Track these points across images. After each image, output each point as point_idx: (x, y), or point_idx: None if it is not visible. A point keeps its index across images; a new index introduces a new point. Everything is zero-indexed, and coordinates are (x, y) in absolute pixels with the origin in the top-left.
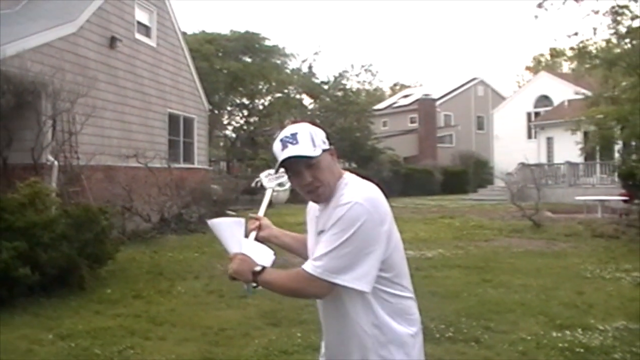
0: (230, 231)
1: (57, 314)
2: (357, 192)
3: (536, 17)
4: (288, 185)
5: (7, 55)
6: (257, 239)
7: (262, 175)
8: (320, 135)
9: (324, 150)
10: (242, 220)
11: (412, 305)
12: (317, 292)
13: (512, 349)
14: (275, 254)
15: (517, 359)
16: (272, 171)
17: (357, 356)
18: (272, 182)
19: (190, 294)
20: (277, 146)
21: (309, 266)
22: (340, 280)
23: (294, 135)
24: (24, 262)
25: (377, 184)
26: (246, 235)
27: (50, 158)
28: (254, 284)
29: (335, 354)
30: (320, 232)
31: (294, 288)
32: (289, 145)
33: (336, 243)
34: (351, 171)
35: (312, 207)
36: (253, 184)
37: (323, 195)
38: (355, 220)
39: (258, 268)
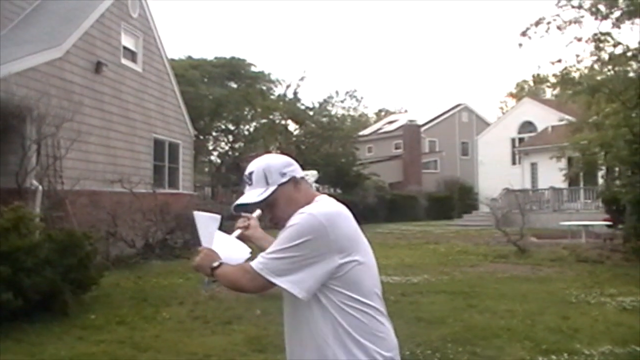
0: (205, 225)
1: (40, 339)
2: (315, 207)
3: (520, 45)
4: None
5: None
6: (239, 236)
7: None
8: (276, 169)
9: (281, 184)
10: (218, 217)
11: (385, 328)
12: (255, 286)
13: None
14: (251, 253)
15: None
16: None
17: None
18: None
19: (175, 320)
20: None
21: (254, 261)
22: (278, 280)
23: (250, 175)
24: (7, 287)
25: (356, 208)
26: (232, 231)
27: (35, 183)
28: (213, 279)
29: None
30: None
31: (235, 280)
32: (246, 185)
33: (282, 246)
34: (334, 197)
35: None
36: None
37: (286, 222)
38: (305, 229)
39: (216, 264)
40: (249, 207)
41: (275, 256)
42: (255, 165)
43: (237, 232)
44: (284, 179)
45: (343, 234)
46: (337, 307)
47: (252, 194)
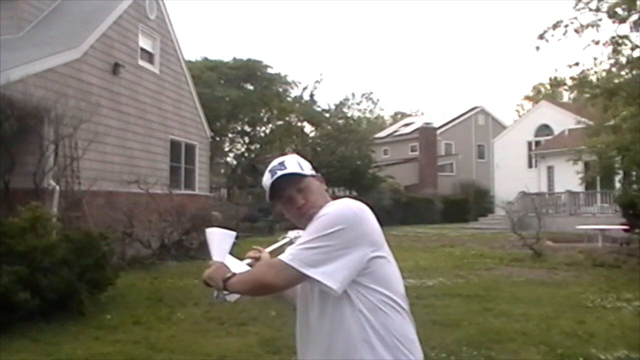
0: (219, 240)
1: (56, 339)
2: (345, 200)
3: (537, 48)
4: None
5: (11, 80)
6: (250, 265)
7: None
8: (306, 164)
9: (313, 176)
10: (233, 234)
11: (414, 332)
12: (282, 280)
13: None
14: None
15: None
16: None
17: None
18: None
19: (190, 321)
20: (266, 177)
21: (282, 255)
22: (309, 272)
23: (281, 164)
24: (24, 287)
25: (373, 210)
26: (241, 259)
27: (52, 183)
28: (224, 292)
29: None
30: None
31: (258, 279)
32: (278, 172)
33: (314, 235)
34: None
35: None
36: (280, 239)
37: (315, 214)
38: (338, 219)
39: (229, 274)
40: (289, 182)
41: (306, 246)
42: (285, 157)
43: (248, 260)
44: (314, 173)
45: (374, 227)
46: (369, 304)
47: (295, 170)
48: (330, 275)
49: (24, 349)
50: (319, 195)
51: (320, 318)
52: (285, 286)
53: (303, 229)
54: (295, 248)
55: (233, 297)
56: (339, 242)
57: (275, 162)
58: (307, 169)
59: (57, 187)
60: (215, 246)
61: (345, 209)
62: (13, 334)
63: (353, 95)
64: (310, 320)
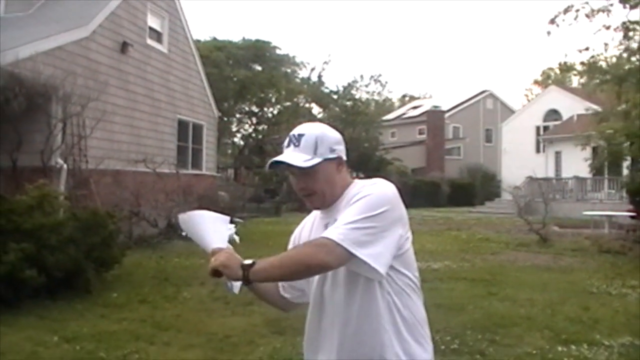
0: (214, 225)
1: (62, 316)
2: (380, 180)
3: (548, 33)
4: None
5: (20, 58)
6: None
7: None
8: (328, 142)
9: (327, 159)
10: (228, 218)
11: (424, 311)
12: (337, 260)
13: None
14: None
15: None
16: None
17: (376, 356)
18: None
19: (195, 300)
20: (286, 140)
21: (329, 233)
22: (359, 253)
23: (299, 137)
24: (31, 264)
25: None
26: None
27: (60, 161)
28: (233, 282)
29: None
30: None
31: (310, 259)
32: (292, 145)
33: (362, 215)
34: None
35: (308, 222)
36: (184, 234)
37: (314, 203)
38: (384, 199)
39: (249, 261)
40: (286, 168)
41: (355, 226)
42: (309, 130)
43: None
44: (332, 155)
45: (404, 208)
46: (396, 287)
47: (297, 157)
48: (377, 258)
49: (31, 326)
50: (324, 183)
51: (348, 300)
52: (338, 266)
53: (311, 207)
54: (342, 227)
55: (237, 288)
56: (384, 224)
57: (298, 130)
58: (323, 150)
59: (65, 166)
60: (211, 232)
61: (389, 190)
62: (20, 311)
63: (361, 77)
64: (335, 302)
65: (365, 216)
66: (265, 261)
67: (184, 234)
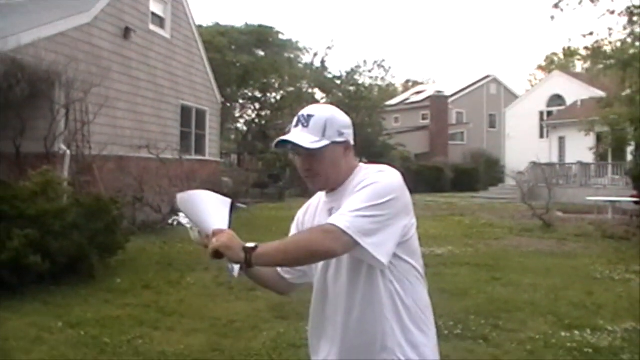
0: (215, 206)
1: (66, 302)
2: (386, 168)
3: (552, 17)
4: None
5: (22, 44)
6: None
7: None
8: (337, 125)
9: (335, 143)
10: (229, 200)
11: (427, 296)
12: (343, 247)
13: (521, 348)
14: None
15: (525, 358)
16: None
17: (378, 345)
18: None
19: (199, 286)
20: (294, 120)
21: (335, 220)
22: (363, 242)
23: (309, 117)
24: (35, 250)
25: None
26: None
27: (63, 147)
28: (234, 265)
29: (352, 348)
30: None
31: (316, 245)
32: (300, 125)
33: (368, 203)
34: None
35: (312, 205)
36: (170, 221)
37: (317, 185)
38: (391, 187)
39: (252, 244)
40: (291, 148)
41: (361, 214)
42: (319, 111)
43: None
44: (340, 139)
45: (409, 195)
46: (399, 275)
47: (305, 138)
48: (380, 247)
49: (35, 311)
50: (329, 166)
51: (351, 288)
52: (343, 253)
53: (313, 188)
54: (348, 214)
55: (236, 271)
56: (389, 212)
57: (308, 110)
58: (331, 133)
59: (68, 152)
60: (211, 212)
61: (395, 178)
62: (24, 297)
63: (365, 62)
64: (339, 289)
65: (372, 204)
66: (268, 245)
67: (172, 221)
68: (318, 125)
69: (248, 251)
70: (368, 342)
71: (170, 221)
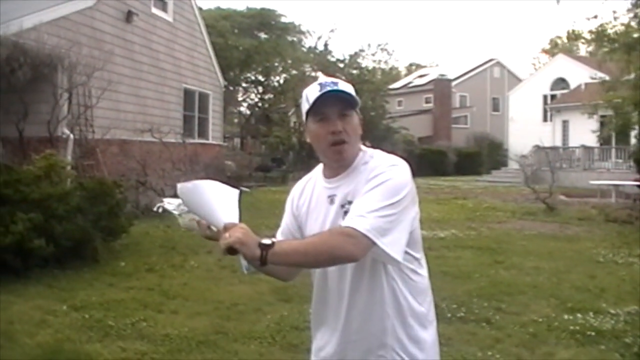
0: (223, 198)
1: (70, 285)
2: (396, 158)
3: (557, 1)
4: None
5: (24, 28)
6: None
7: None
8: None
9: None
10: (237, 191)
11: (428, 285)
12: (364, 251)
13: (523, 330)
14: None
15: (528, 340)
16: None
17: (376, 341)
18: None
19: (203, 269)
20: (312, 89)
21: (353, 222)
22: (380, 242)
23: (335, 82)
24: (39, 234)
25: None
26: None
27: (66, 131)
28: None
29: (351, 342)
30: (349, 204)
31: (338, 249)
32: (329, 87)
33: (383, 203)
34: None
35: (307, 188)
36: (155, 209)
37: (345, 153)
38: (403, 183)
39: (268, 241)
40: (336, 102)
41: (379, 214)
42: (341, 81)
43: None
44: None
45: (414, 184)
46: (400, 271)
47: (350, 88)
48: (394, 245)
49: (39, 295)
50: (356, 134)
51: (355, 285)
52: (362, 257)
53: (329, 170)
54: (368, 216)
55: (245, 267)
56: (402, 209)
57: (326, 79)
58: (358, 101)
59: (71, 136)
60: (220, 204)
61: (407, 173)
62: (28, 280)
63: (368, 45)
64: (341, 286)
65: (388, 203)
66: (286, 244)
67: (157, 208)
68: (348, 87)
69: (264, 248)
70: (367, 338)
71: (155, 208)
